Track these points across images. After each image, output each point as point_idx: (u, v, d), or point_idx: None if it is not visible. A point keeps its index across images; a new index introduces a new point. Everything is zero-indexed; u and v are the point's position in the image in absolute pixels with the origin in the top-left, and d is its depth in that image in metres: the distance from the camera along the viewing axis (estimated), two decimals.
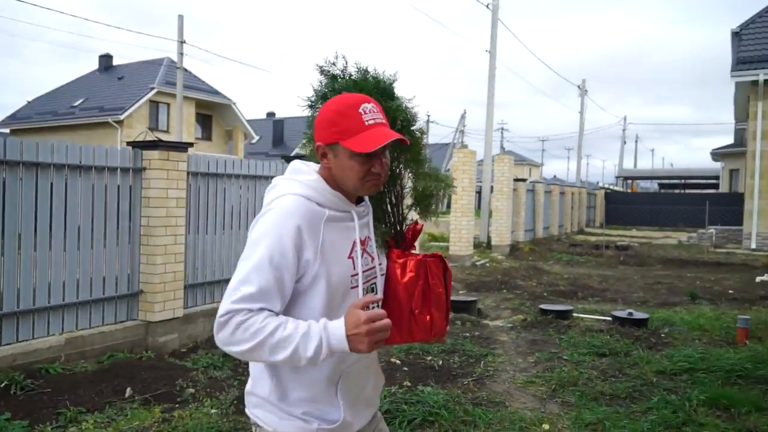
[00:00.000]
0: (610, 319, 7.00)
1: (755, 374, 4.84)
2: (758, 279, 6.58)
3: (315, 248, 1.56)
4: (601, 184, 44.75)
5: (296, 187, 1.62)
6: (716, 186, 36.10)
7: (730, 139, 29.34)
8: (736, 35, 17.32)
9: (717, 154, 29.99)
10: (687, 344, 5.92)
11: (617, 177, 48.64)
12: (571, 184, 31.84)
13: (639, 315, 6.90)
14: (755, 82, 16.00)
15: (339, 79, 1.85)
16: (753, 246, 16.15)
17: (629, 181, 46.70)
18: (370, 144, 1.54)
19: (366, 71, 1.86)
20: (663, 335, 6.36)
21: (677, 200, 29.21)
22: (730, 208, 22.88)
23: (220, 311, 1.51)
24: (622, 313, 6.97)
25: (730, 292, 9.62)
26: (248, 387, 1.71)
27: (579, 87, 31.69)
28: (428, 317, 1.69)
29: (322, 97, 1.84)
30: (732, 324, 6.51)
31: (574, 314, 7.30)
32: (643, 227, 26.65)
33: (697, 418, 3.98)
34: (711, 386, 4.56)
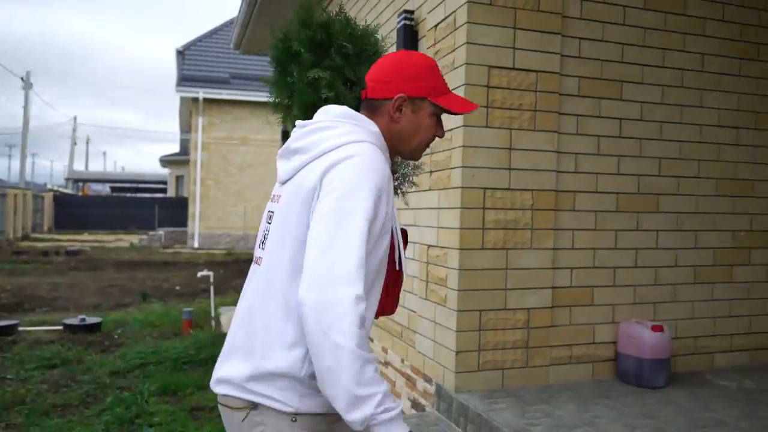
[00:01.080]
0: (61, 327, 6.72)
1: (198, 358, 5.49)
2: (199, 274, 7.44)
3: (387, 209, 1.36)
4: (49, 186, 42.05)
5: (367, 135, 1.42)
6: (165, 190, 38.63)
7: (176, 148, 31.87)
8: (180, 53, 18.98)
9: (165, 161, 32.06)
10: (140, 341, 6.23)
11: (67, 179, 46.62)
12: (13, 185, 28.73)
13: (92, 320, 6.85)
14: (196, 99, 17.91)
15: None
16: (196, 245, 18.06)
17: (80, 184, 45.35)
18: (465, 106, 1.49)
19: None
20: (116, 336, 6.51)
21: (129, 203, 29.96)
22: (177, 211, 24.96)
23: (347, 298, 1.19)
24: (74, 320, 6.79)
25: (177, 288, 10.53)
26: (254, 367, 1.34)
27: (23, 79, 28.95)
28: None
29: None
30: (179, 317, 7.21)
31: (21, 328, 6.69)
32: (96, 231, 26.29)
33: (149, 408, 4.25)
34: (161, 376, 4.94)
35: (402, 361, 3.95)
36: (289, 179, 1.42)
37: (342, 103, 1.56)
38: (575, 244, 3.44)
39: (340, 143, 1.37)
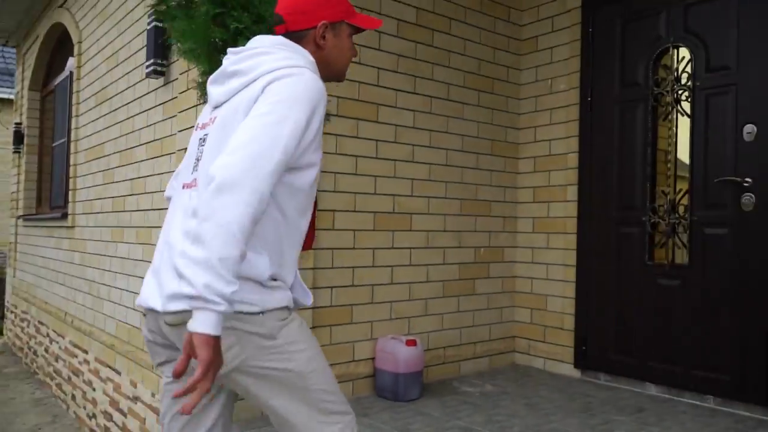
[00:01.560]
0: None
1: None
2: None
3: (319, 128, 1.43)
4: None
5: (305, 62, 1.48)
6: None
7: None
8: None
9: None
10: None
11: None
12: None
13: None
14: None
15: None
16: None
17: None
18: (374, 23, 1.65)
19: None
20: None
21: None
22: None
23: (256, 194, 1.25)
24: None
25: None
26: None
27: None
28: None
29: None
30: None
31: None
32: None
33: None
34: None
35: (152, 395, 3.57)
36: (226, 101, 1.46)
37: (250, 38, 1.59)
38: (335, 263, 3.44)
39: (281, 65, 1.41)
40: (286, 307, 1.44)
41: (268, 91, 1.36)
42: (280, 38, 1.52)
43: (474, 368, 4.15)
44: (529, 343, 4.36)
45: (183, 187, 1.49)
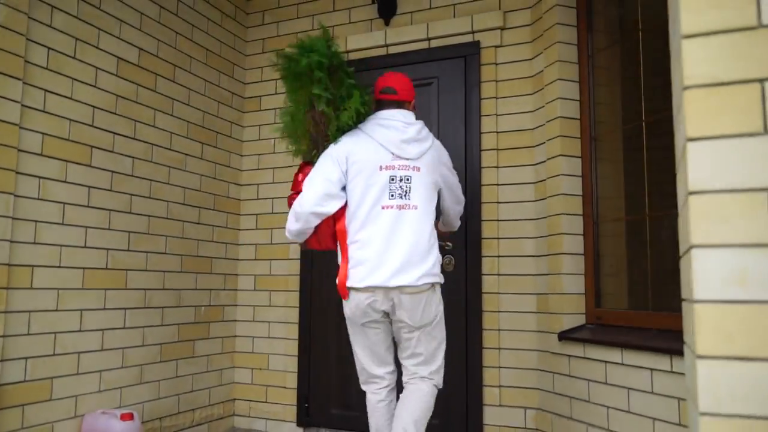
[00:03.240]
0: None
1: None
2: None
3: None
4: None
5: None
6: None
7: None
8: None
9: None
10: None
11: None
12: None
13: None
14: None
15: None
16: None
17: None
18: None
19: None
20: None
21: None
22: None
23: None
24: None
25: None
26: (428, 265, 2.54)
27: None
28: None
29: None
30: None
31: None
32: None
33: None
34: None
35: None
36: (421, 156, 2.59)
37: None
38: (32, 329, 2.88)
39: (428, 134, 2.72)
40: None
41: (442, 152, 2.77)
42: (413, 114, 2.69)
43: None
44: (250, 405, 4.21)
45: (383, 208, 2.52)
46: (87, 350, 3.16)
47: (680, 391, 2.49)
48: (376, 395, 2.71)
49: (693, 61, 1.27)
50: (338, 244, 2.61)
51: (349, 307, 2.58)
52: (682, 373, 2.50)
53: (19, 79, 2.83)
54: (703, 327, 1.22)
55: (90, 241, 3.21)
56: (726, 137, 1.24)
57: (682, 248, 1.43)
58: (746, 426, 1.17)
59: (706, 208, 1.24)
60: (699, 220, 1.24)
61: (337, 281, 2.58)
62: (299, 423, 4.03)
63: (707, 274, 1.22)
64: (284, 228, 2.88)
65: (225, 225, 4.24)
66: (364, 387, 2.78)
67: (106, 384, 3.25)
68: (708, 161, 1.24)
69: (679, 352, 2.49)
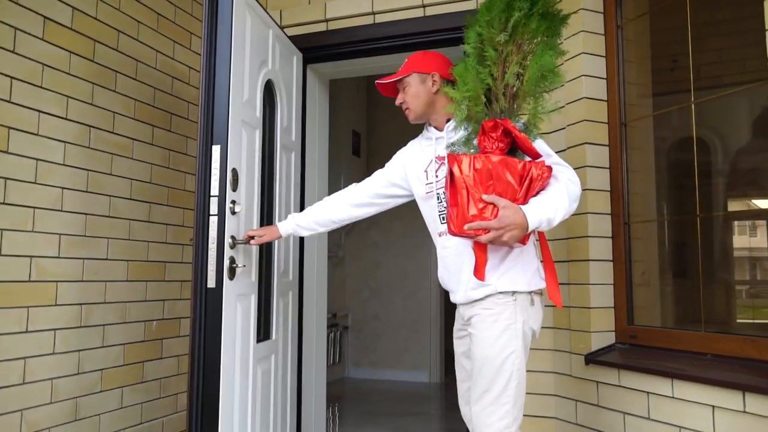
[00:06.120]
0: None
1: None
2: None
3: None
4: None
5: None
6: None
7: None
8: None
9: None
10: None
11: None
12: None
13: None
14: None
15: None
16: None
17: None
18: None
19: None
20: None
21: None
22: None
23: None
24: None
25: None
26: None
27: None
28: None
29: None
30: None
31: None
32: None
33: None
34: None
35: None
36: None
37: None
38: None
39: None
40: None
41: None
42: None
43: None
44: None
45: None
46: (4, 385, 2.49)
47: None
48: None
49: None
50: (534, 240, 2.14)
51: (538, 316, 2.09)
52: (761, 415, 2.01)
53: None
54: None
55: (6, 248, 2.53)
56: None
57: None
58: None
59: None
60: None
61: (544, 284, 2.09)
62: None
63: None
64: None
65: (181, 223, 3.59)
66: None
67: (29, 426, 2.59)
68: None
69: (757, 389, 2.01)
